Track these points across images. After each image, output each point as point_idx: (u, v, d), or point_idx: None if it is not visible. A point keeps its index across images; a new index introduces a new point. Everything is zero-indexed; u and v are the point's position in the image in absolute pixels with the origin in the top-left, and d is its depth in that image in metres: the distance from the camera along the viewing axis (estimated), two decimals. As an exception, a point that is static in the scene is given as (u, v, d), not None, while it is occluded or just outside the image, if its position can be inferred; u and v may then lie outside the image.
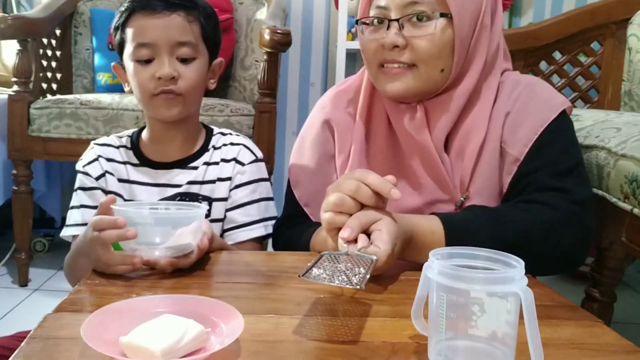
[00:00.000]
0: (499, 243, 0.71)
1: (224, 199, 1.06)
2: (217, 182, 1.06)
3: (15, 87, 1.81)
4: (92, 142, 1.09)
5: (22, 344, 0.57)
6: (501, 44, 1.00)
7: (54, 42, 2.15)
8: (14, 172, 1.84)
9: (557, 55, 1.83)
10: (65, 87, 2.21)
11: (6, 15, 1.83)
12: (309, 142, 1.06)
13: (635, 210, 0.97)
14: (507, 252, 0.57)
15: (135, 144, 1.08)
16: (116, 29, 1.02)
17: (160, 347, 0.52)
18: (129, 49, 0.99)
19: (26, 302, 1.77)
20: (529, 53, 1.80)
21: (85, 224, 0.94)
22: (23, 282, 1.90)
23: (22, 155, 1.82)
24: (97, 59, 2.18)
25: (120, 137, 1.10)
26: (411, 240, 0.82)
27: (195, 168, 1.06)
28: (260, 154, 1.11)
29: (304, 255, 0.90)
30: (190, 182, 1.05)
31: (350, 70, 2.41)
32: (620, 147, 1.02)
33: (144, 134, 1.09)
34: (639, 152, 0.97)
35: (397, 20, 0.91)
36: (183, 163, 1.06)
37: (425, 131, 0.96)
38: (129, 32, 0.99)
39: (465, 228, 0.84)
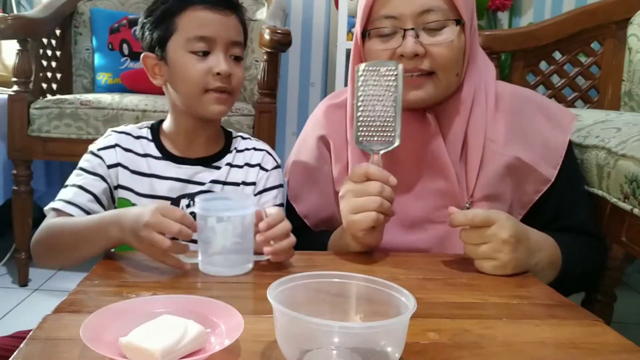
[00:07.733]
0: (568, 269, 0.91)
1: None
2: (242, 186, 1.05)
3: (15, 87, 1.81)
4: (110, 129, 1.06)
5: (22, 344, 0.57)
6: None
7: (54, 42, 2.14)
8: (14, 172, 1.84)
9: (557, 55, 1.83)
10: (65, 87, 2.20)
11: (6, 15, 1.82)
12: (304, 157, 1.09)
13: (635, 210, 0.97)
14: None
15: (156, 137, 1.06)
16: (160, 17, 1.00)
17: (160, 348, 0.52)
18: (179, 40, 0.98)
19: (26, 302, 1.77)
20: (529, 53, 1.80)
21: (73, 204, 0.94)
22: (23, 282, 1.90)
23: (22, 155, 1.82)
24: (97, 59, 2.18)
25: (140, 128, 1.07)
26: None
27: (218, 168, 1.05)
28: (279, 161, 1.12)
29: (303, 255, 0.90)
30: (214, 181, 1.04)
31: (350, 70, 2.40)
32: (620, 147, 1.02)
33: (166, 127, 1.06)
34: (639, 152, 0.97)
35: (413, 29, 0.92)
36: (206, 161, 1.05)
37: (439, 138, 0.98)
38: (184, 22, 0.98)
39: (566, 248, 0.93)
